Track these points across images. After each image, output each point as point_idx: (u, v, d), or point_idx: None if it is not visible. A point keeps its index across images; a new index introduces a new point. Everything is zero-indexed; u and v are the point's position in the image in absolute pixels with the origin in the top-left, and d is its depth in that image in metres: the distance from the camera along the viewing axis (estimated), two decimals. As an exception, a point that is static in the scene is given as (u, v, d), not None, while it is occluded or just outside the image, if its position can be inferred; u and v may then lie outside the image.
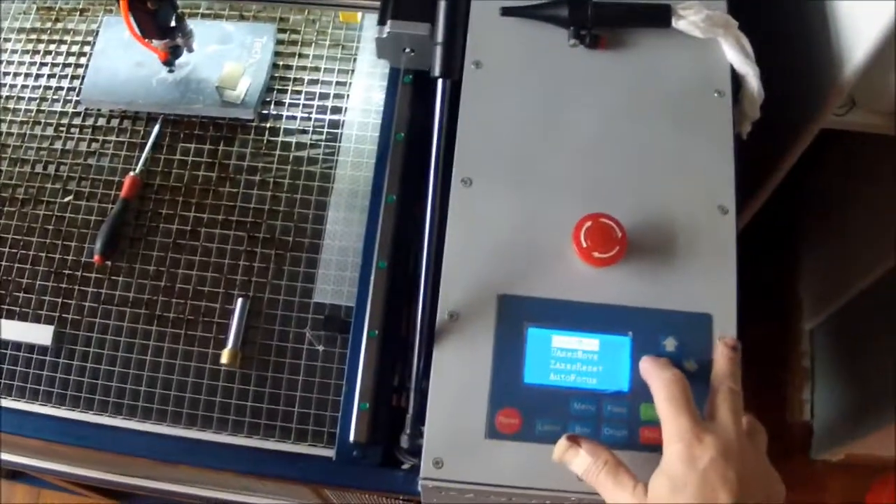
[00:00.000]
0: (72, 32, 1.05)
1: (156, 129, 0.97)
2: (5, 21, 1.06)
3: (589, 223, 0.72)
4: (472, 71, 0.82)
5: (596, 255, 0.72)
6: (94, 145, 0.98)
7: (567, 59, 0.83)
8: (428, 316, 0.71)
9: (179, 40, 0.94)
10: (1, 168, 0.98)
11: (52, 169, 0.97)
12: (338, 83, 0.99)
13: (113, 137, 0.98)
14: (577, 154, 0.79)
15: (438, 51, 0.72)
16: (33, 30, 1.05)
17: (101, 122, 0.99)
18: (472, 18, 0.84)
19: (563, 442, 0.68)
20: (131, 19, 0.89)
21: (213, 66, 0.98)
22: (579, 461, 0.67)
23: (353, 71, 1.00)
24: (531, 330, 0.72)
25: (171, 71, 0.98)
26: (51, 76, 1.02)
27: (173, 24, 0.93)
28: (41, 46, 1.04)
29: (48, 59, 1.03)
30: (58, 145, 0.98)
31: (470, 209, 0.76)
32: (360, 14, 1.01)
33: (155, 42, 0.93)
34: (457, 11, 0.75)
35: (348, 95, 0.98)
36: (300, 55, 1.00)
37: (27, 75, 1.03)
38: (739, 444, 0.63)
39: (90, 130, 0.99)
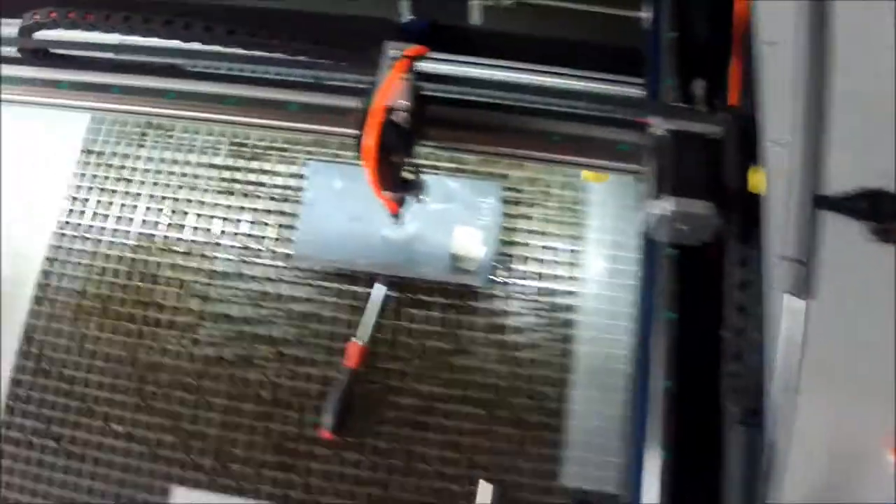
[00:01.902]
0: (270, 174, 0.98)
1: (383, 292, 0.91)
2: (192, 154, 0.99)
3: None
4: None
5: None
6: (308, 305, 0.92)
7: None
8: None
9: (412, 193, 0.90)
10: (204, 324, 0.91)
11: (261, 329, 0.91)
12: (570, 251, 0.95)
13: (331, 298, 0.92)
14: None
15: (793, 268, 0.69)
16: (227, 167, 0.99)
17: (316, 279, 0.93)
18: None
19: None
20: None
21: (441, 227, 0.93)
22: None
23: (582, 237, 0.95)
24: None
25: (398, 224, 0.92)
26: (253, 223, 0.96)
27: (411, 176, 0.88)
28: (237, 186, 0.97)
29: (245, 202, 0.97)
30: (268, 303, 0.92)
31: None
32: (610, 175, 0.97)
33: (388, 193, 0.88)
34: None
35: (579, 264, 0.94)
36: (525, 217, 0.96)
37: (226, 220, 0.96)
38: None
39: (304, 288, 0.93)
